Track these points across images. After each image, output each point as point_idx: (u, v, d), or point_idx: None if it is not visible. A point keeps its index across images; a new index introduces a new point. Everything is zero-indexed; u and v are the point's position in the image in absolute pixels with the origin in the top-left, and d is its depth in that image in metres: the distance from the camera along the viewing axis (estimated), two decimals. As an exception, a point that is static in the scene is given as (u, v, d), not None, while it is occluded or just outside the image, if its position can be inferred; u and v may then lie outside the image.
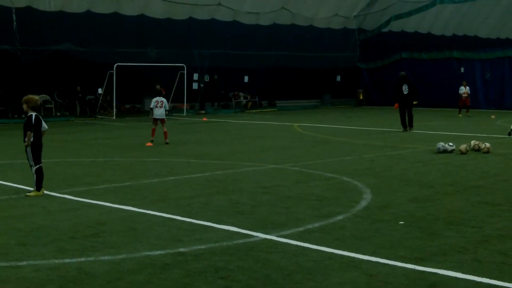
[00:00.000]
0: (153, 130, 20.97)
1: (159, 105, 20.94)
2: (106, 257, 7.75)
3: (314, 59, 46.96)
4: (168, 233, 8.90)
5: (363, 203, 10.88)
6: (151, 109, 21.11)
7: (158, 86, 22.87)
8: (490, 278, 6.85)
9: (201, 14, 40.12)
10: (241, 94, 44.48)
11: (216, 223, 9.42)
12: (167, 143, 20.51)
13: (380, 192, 11.93)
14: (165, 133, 20.91)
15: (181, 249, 8.07)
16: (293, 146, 20.31)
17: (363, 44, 48.96)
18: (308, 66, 47.05)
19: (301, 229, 9.10)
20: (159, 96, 21.18)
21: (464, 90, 35.07)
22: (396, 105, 25.86)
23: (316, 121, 31.27)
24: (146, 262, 7.55)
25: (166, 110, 21.20)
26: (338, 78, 49.56)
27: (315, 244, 8.25)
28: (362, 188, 12.39)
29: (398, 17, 46.22)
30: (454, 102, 40.57)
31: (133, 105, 39.36)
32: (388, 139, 22.27)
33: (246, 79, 44.44)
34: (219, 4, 40.27)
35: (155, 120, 21.04)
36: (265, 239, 8.58)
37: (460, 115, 34.82)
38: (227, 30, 41.53)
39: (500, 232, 8.83)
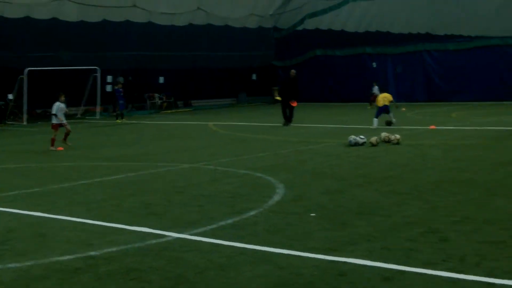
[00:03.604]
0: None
1: None
2: (13, 265, 7.53)
3: (230, 58, 47.16)
4: (78, 237, 8.73)
5: (276, 198, 10.94)
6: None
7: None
8: (398, 264, 6.98)
9: (115, 16, 39.64)
10: (156, 95, 44.19)
11: (128, 225, 9.29)
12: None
13: (293, 186, 12.03)
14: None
15: (92, 253, 7.93)
16: (208, 145, 20.28)
17: (278, 43, 49.43)
18: (224, 65, 47.22)
19: (214, 226, 9.08)
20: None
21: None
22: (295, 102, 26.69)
23: (232, 119, 31.33)
24: (55, 268, 7.38)
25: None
26: (254, 77, 49.89)
27: (227, 240, 8.24)
28: (276, 183, 12.47)
29: (313, 15, 46.87)
30: (368, 97, 41.52)
31: (44, 110, 38.48)
32: (302, 134, 22.51)
33: (161, 80, 44.19)
34: (134, 5, 39.86)
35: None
36: (178, 238, 8.52)
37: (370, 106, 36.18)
38: (142, 31, 41.17)
39: (408, 220, 9.03)
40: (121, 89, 33.42)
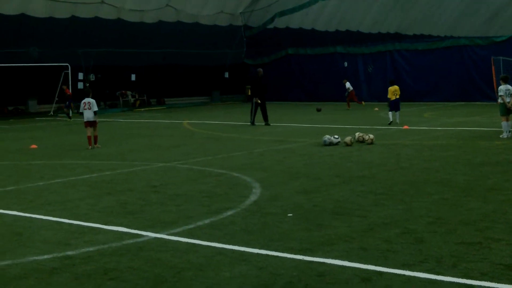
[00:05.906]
0: (88, 138, 19.34)
1: (86, 107, 19.32)
2: (-10, 264, 7.49)
3: (201, 56, 47.07)
4: (55, 237, 8.69)
5: (253, 198, 10.98)
6: (81, 113, 19.56)
7: (87, 86, 21.56)
8: (376, 265, 7.04)
9: (84, 12, 39.38)
10: (129, 92, 43.96)
11: (105, 225, 9.27)
12: (97, 147, 19.37)
13: (269, 186, 12.07)
14: (95, 137, 19.48)
15: (69, 252, 7.90)
16: (183, 144, 20.25)
17: (249, 41, 49.48)
18: (196, 63, 47.12)
19: (191, 226, 9.08)
20: (87, 96, 19.49)
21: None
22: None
23: (206, 118, 31.31)
24: (33, 267, 7.34)
25: (94, 112, 19.37)
26: (226, 75, 49.92)
27: (205, 241, 8.25)
28: (252, 182, 12.50)
29: (282, 13, 46.94)
30: (339, 96, 41.67)
31: (16, 107, 38.21)
32: (276, 133, 22.57)
33: (133, 77, 43.99)
34: (102, 2, 39.62)
35: (85, 124, 19.50)
36: (155, 238, 8.52)
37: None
38: (111, 28, 40.93)
39: (384, 220, 9.11)
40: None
